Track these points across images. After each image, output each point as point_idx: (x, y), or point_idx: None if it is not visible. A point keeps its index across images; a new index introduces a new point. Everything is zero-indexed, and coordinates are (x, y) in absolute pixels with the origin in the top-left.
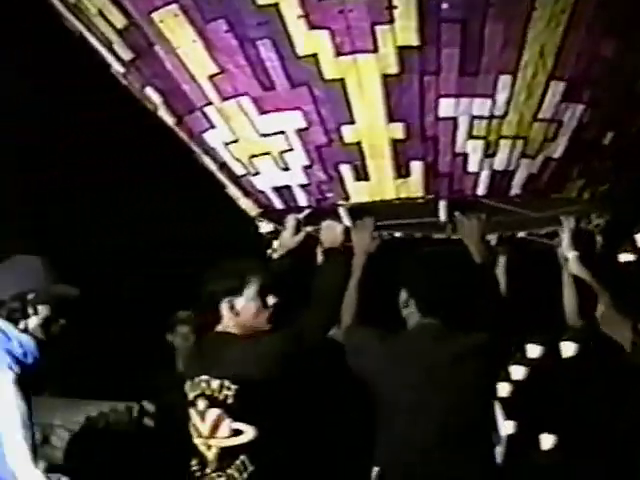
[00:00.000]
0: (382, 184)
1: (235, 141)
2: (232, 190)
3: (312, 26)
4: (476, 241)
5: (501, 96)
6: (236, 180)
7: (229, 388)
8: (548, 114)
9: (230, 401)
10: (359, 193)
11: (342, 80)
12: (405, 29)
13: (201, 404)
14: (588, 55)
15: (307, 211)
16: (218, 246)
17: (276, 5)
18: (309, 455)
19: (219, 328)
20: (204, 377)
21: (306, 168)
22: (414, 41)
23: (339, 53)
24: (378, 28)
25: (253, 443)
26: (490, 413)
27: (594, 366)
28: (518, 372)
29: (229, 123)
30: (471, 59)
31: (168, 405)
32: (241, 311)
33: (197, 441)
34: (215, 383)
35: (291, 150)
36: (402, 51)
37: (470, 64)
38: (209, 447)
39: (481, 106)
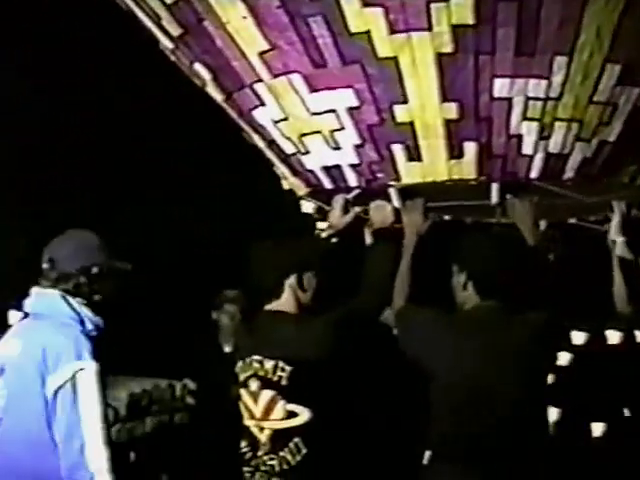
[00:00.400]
0: (434, 165)
1: (285, 119)
2: (280, 168)
3: (365, 3)
4: (529, 224)
5: (557, 78)
6: (285, 159)
7: (283, 369)
8: (603, 97)
9: (284, 382)
10: (411, 174)
11: (395, 58)
12: (461, 7)
13: (254, 385)
14: None
15: (356, 191)
16: (260, 225)
17: None
18: (361, 438)
19: (271, 306)
20: (257, 357)
21: (357, 147)
22: (469, 19)
23: (393, 31)
24: (433, 6)
25: (307, 425)
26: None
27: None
28: (563, 358)
29: (279, 101)
30: (527, 39)
31: (211, 384)
32: (308, 287)
33: (249, 423)
34: (269, 364)
35: (342, 129)
36: (457, 30)
37: (526, 44)
38: (262, 429)
39: (536, 87)
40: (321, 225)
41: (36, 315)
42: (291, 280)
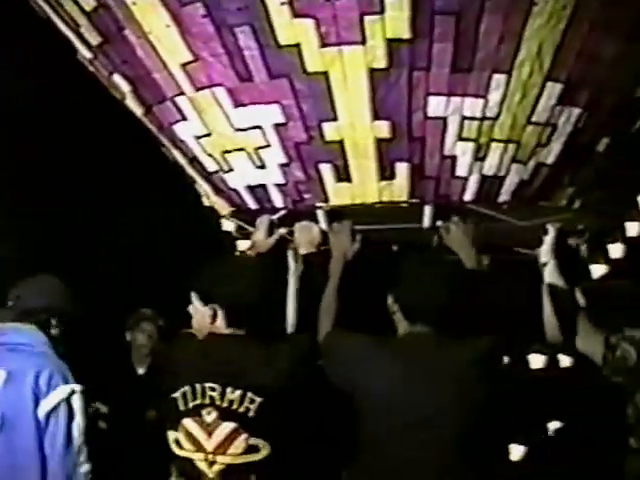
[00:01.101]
0: (364, 186)
1: (208, 135)
2: (202, 186)
3: (296, 14)
4: (467, 248)
5: (494, 96)
6: (207, 176)
7: (252, 400)
8: (542, 117)
9: (252, 414)
10: (339, 195)
11: (325, 73)
12: (396, 20)
13: (210, 416)
14: (587, 56)
15: (282, 212)
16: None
17: None
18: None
19: (213, 329)
20: (213, 385)
21: (283, 166)
22: (405, 34)
23: (324, 44)
24: (367, 18)
25: (265, 461)
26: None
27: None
28: None
29: (202, 115)
30: (464, 55)
31: (124, 408)
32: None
33: (193, 456)
34: (235, 394)
35: (268, 146)
36: (391, 44)
37: (463, 60)
38: (212, 464)
39: (473, 106)
40: (242, 245)
41: (15, 346)
42: None
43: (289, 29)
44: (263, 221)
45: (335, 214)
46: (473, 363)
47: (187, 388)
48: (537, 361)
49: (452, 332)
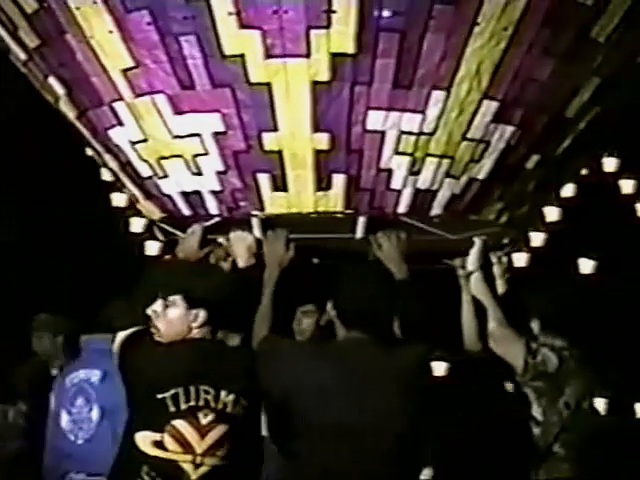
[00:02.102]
0: (301, 196)
1: (144, 140)
2: (132, 191)
3: (242, 25)
4: (396, 260)
5: (432, 112)
6: (139, 181)
7: (243, 403)
8: (477, 134)
9: (229, 409)
10: (275, 204)
11: (268, 84)
12: (341, 35)
13: (206, 418)
14: (524, 76)
15: (215, 219)
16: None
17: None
18: None
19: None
20: (207, 387)
21: (220, 174)
22: (349, 48)
23: (268, 55)
24: (313, 32)
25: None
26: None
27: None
28: None
29: (139, 121)
30: (406, 71)
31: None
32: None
33: (178, 457)
34: (229, 397)
35: (206, 154)
36: (335, 58)
37: (404, 76)
38: (198, 466)
39: (410, 121)
40: (150, 247)
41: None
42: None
43: (235, 39)
44: (197, 229)
45: (270, 223)
46: (407, 370)
47: (180, 390)
48: (439, 368)
49: (387, 339)
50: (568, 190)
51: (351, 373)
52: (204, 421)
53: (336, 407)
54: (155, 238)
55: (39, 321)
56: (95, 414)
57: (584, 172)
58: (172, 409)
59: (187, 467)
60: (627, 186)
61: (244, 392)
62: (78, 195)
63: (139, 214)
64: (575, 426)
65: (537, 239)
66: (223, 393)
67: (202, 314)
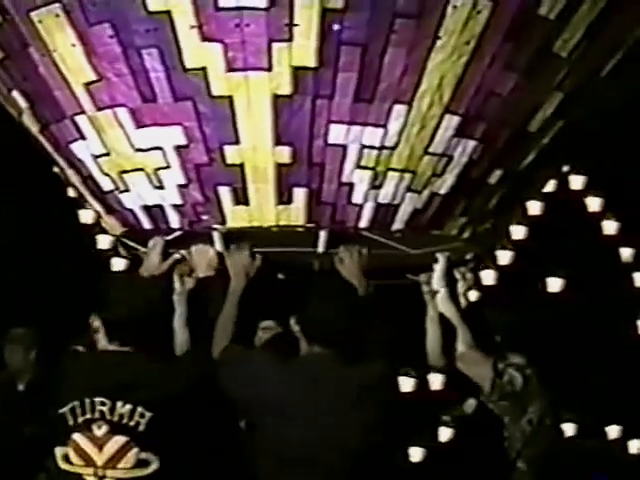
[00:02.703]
0: (262, 209)
1: (106, 154)
2: (94, 206)
3: (204, 38)
4: (357, 275)
5: (394, 126)
6: (101, 195)
7: (143, 415)
8: (439, 148)
9: (142, 428)
10: (237, 217)
11: (230, 97)
12: (303, 48)
13: (100, 430)
14: (486, 90)
15: (177, 233)
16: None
17: (168, 12)
18: None
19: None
20: (103, 399)
21: (181, 187)
22: (311, 62)
23: (230, 69)
24: (275, 45)
25: (154, 476)
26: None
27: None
28: None
29: (101, 135)
30: (367, 85)
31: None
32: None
33: (82, 471)
34: (125, 408)
35: (167, 167)
36: (297, 71)
37: (365, 90)
38: (101, 478)
39: (372, 135)
40: (116, 263)
41: None
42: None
43: (196, 53)
44: (157, 243)
45: (231, 236)
46: (368, 386)
47: (76, 403)
48: (407, 384)
49: (349, 354)
50: (535, 208)
51: (313, 388)
52: (99, 433)
53: (296, 422)
54: (120, 255)
55: (13, 334)
56: None
57: (550, 189)
58: (71, 422)
59: None
60: (593, 204)
61: (145, 403)
62: (46, 211)
63: (105, 231)
64: (537, 442)
65: (504, 257)
66: (119, 404)
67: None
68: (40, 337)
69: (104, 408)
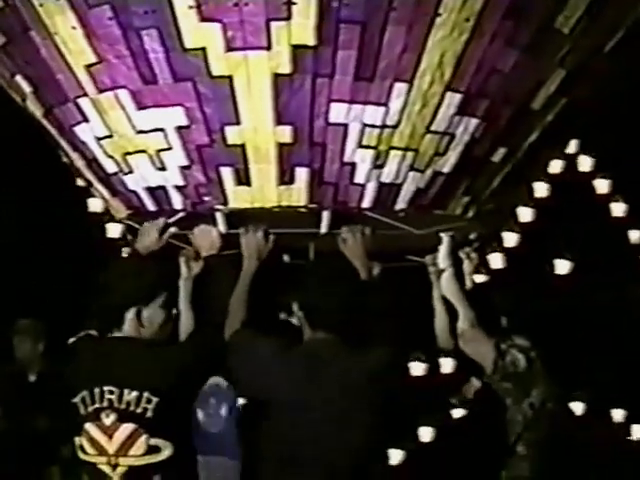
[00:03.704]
0: (264, 190)
1: (109, 136)
2: (99, 189)
3: (203, 18)
4: (360, 257)
5: (395, 104)
6: (105, 178)
7: (149, 400)
8: (441, 126)
9: (149, 415)
10: (239, 198)
11: (230, 77)
12: (302, 27)
13: (108, 418)
14: (487, 68)
15: (180, 214)
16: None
17: None
18: None
19: (117, 334)
20: (111, 388)
21: (184, 169)
22: (310, 40)
23: (229, 48)
24: (273, 24)
25: (168, 462)
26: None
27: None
28: None
29: (104, 117)
30: (367, 63)
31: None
32: (146, 322)
33: (96, 460)
34: (131, 395)
35: (169, 149)
36: (296, 50)
37: (366, 68)
38: (115, 466)
39: (373, 114)
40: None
41: None
42: (130, 313)
43: (195, 33)
44: (159, 223)
45: (234, 217)
46: (373, 373)
47: (85, 392)
48: (417, 369)
49: (353, 339)
50: (542, 190)
51: (316, 375)
52: (107, 422)
53: (298, 411)
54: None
55: (21, 325)
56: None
57: (558, 171)
58: (82, 412)
59: (105, 469)
60: (602, 186)
61: (152, 388)
62: (55, 201)
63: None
64: (537, 426)
65: (511, 240)
66: (126, 392)
67: None
68: (48, 328)
69: (112, 397)
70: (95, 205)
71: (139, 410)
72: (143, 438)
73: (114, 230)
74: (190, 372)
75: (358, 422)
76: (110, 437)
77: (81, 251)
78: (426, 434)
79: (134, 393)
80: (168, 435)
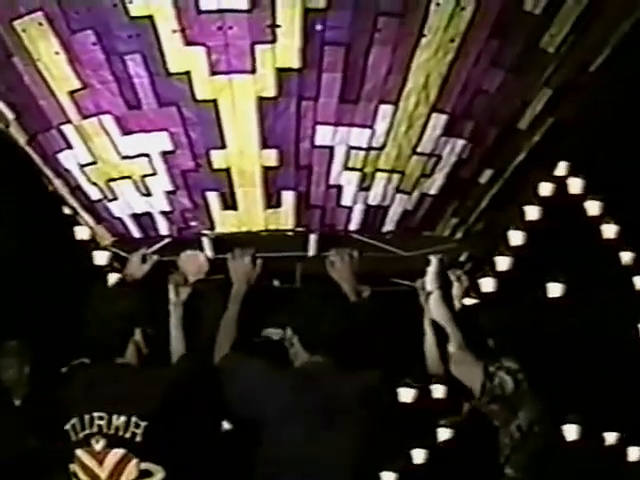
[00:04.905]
0: (251, 214)
1: (93, 163)
2: (83, 217)
3: (187, 42)
4: (348, 279)
5: (381, 126)
6: (90, 205)
7: (137, 425)
8: (427, 148)
9: (139, 439)
10: (226, 222)
11: (215, 101)
12: (286, 50)
13: (98, 444)
14: (473, 88)
15: (166, 240)
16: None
17: (150, 17)
18: None
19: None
20: (100, 414)
21: (169, 194)
22: (294, 63)
23: (214, 72)
24: (258, 47)
25: None
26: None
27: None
28: None
29: (88, 143)
30: (352, 85)
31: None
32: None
33: None
34: (120, 420)
35: (154, 174)
36: (281, 73)
37: (351, 91)
38: None
39: (359, 136)
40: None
41: None
42: (137, 336)
43: (180, 57)
44: (139, 251)
45: (221, 242)
46: (366, 396)
47: (76, 419)
48: (406, 395)
49: (347, 362)
50: (533, 213)
51: (310, 398)
52: (97, 447)
53: (298, 433)
54: (116, 270)
55: (7, 347)
56: None
57: (548, 193)
58: (73, 439)
59: None
60: (593, 207)
61: (140, 413)
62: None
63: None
64: (525, 448)
65: (502, 263)
66: (114, 417)
67: None
68: (34, 350)
69: (102, 422)
70: (82, 233)
71: (128, 435)
72: (134, 462)
73: (101, 257)
74: (178, 395)
75: (352, 443)
76: (101, 463)
77: (68, 276)
78: (418, 456)
79: (122, 418)
80: (159, 459)
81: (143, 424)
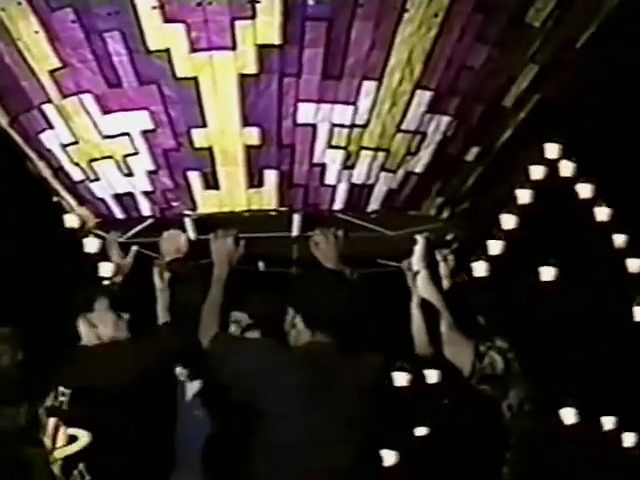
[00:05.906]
0: (233, 194)
1: (74, 143)
2: (66, 198)
3: (167, 19)
4: (333, 260)
5: (364, 103)
6: (72, 187)
7: (63, 394)
8: (412, 125)
9: (64, 407)
10: (207, 203)
11: (195, 79)
12: (267, 26)
13: (44, 417)
14: (457, 64)
15: (149, 221)
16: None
17: None
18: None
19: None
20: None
21: (151, 174)
22: (275, 39)
23: (194, 49)
24: (238, 24)
25: (87, 450)
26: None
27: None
28: None
29: (69, 123)
30: (335, 61)
31: None
32: (97, 323)
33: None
34: (52, 393)
35: (136, 154)
36: (262, 50)
37: (333, 67)
38: (55, 461)
39: (342, 113)
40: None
41: None
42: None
43: (159, 34)
44: (110, 241)
45: (205, 222)
46: (373, 378)
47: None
48: (401, 379)
49: (349, 342)
50: (525, 196)
51: (316, 377)
52: (43, 420)
53: (299, 413)
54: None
55: (0, 335)
56: None
57: (540, 177)
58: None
59: (55, 467)
60: (585, 190)
61: (66, 384)
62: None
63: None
64: (515, 428)
65: (495, 247)
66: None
67: None
68: (27, 337)
69: (48, 398)
70: (71, 221)
71: (57, 404)
72: (62, 430)
73: (91, 245)
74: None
75: (359, 425)
76: (44, 433)
77: (59, 264)
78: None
79: (60, 389)
80: (82, 424)
81: (67, 392)
